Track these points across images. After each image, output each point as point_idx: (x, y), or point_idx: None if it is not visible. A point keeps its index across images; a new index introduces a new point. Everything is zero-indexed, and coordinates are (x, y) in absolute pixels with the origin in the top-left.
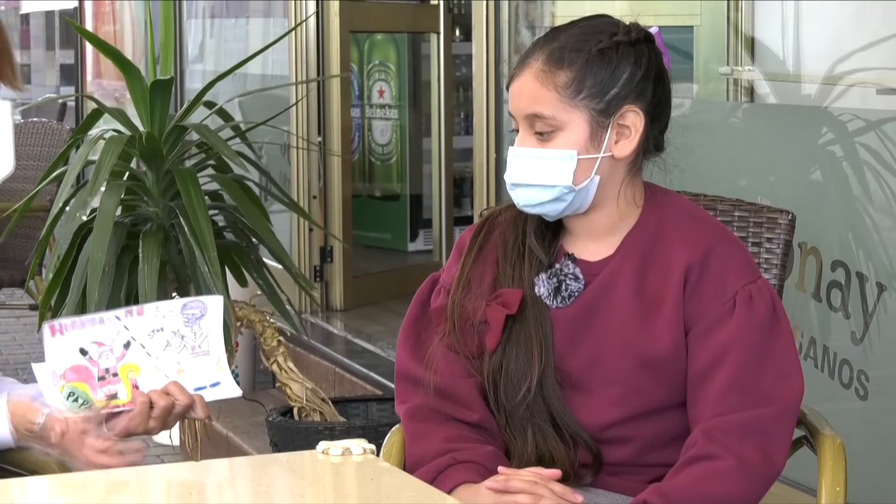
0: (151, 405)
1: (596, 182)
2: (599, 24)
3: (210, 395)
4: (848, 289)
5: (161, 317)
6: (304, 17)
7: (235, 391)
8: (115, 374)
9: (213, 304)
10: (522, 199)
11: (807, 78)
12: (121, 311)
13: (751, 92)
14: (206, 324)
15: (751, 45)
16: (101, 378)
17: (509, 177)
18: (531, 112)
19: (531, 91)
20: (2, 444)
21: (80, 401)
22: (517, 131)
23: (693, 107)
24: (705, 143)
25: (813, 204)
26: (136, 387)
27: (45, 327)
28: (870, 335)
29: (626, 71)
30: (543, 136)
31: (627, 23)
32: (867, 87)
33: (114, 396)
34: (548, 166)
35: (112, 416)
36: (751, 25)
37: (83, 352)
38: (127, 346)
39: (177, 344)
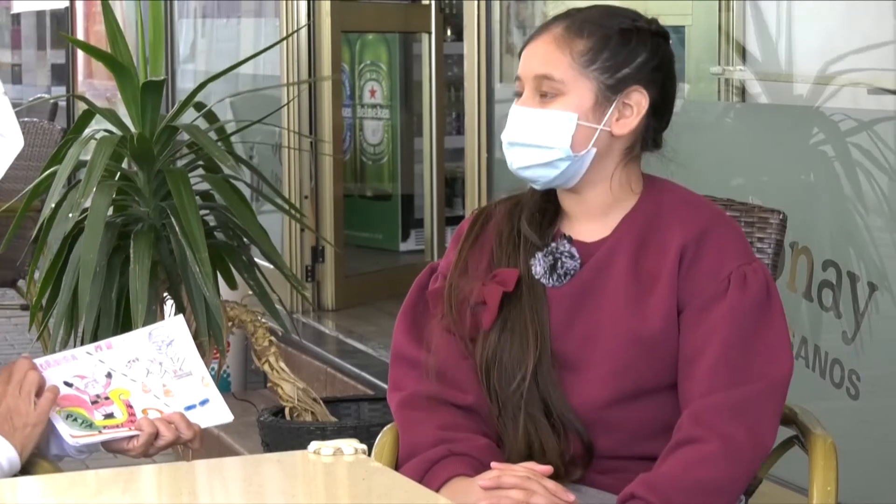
0: (157, 435)
1: (591, 155)
2: (623, 10)
3: (203, 418)
4: (839, 288)
5: (131, 348)
6: (295, 21)
7: (226, 414)
8: (107, 398)
9: (178, 327)
10: (517, 159)
11: (798, 78)
12: (90, 347)
13: (742, 92)
14: (178, 348)
15: (742, 45)
16: (94, 402)
17: (507, 135)
18: (541, 72)
19: (546, 53)
20: (12, 463)
21: (80, 420)
22: (519, 95)
23: (684, 107)
24: (697, 142)
25: (804, 204)
26: (129, 406)
27: None
28: (861, 335)
29: (642, 56)
30: (547, 98)
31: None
32: (858, 87)
33: (110, 416)
34: (548, 126)
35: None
36: (742, 25)
37: (68, 384)
38: (109, 376)
39: (157, 370)
